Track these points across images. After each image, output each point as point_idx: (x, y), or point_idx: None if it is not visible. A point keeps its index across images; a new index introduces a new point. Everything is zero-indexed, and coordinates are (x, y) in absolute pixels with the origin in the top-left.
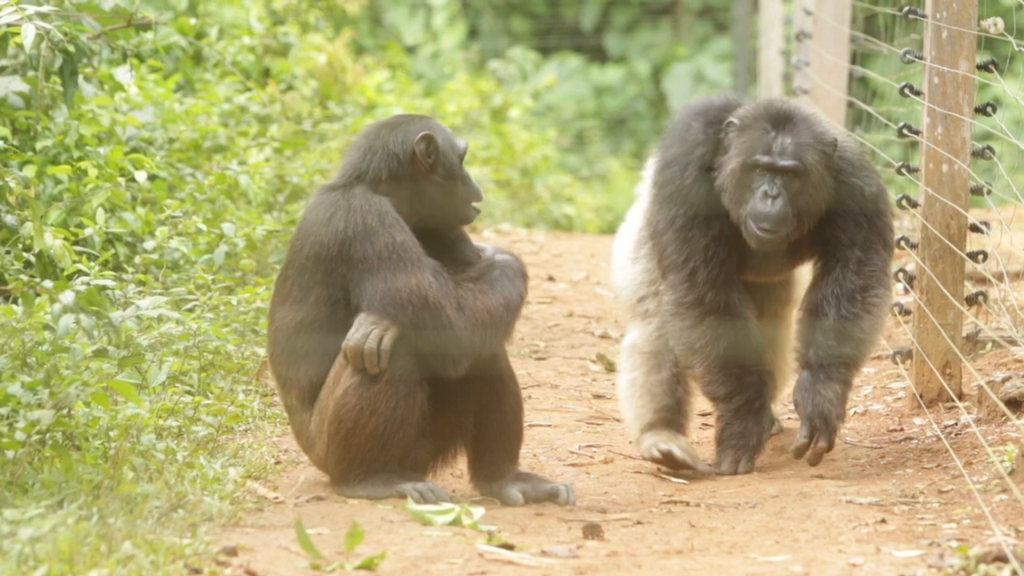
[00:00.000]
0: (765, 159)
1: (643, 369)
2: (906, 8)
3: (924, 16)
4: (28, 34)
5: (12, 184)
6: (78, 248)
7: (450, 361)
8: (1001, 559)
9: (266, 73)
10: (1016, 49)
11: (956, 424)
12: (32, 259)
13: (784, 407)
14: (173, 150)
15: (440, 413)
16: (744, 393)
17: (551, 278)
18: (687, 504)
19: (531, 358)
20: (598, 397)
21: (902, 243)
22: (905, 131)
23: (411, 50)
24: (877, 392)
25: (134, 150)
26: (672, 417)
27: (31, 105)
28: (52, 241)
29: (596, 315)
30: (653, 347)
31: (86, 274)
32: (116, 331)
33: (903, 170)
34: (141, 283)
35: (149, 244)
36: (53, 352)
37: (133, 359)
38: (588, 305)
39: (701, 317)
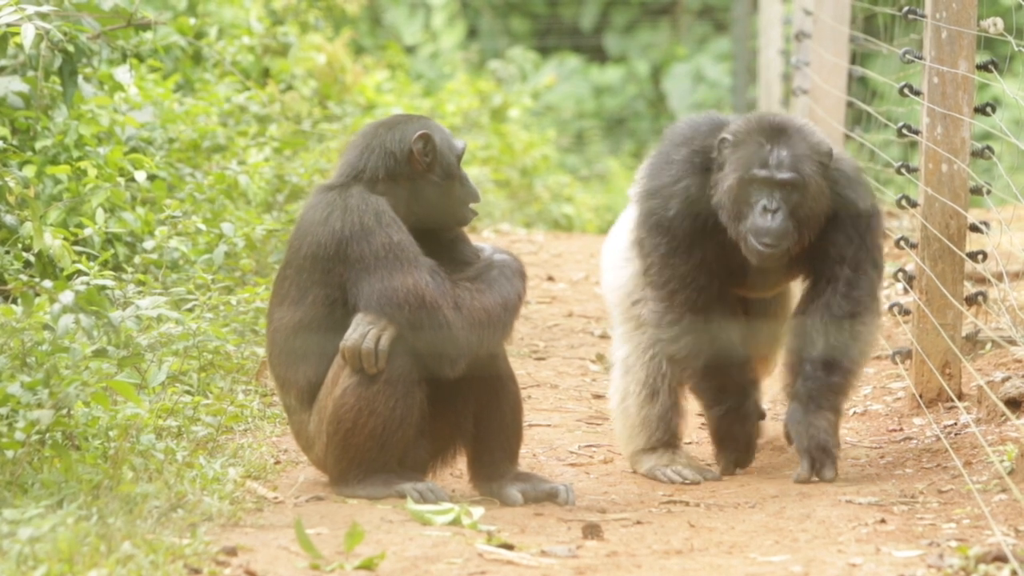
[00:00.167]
0: (763, 173)
1: (635, 399)
2: (906, 8)
3: (924, 16)
4: (28, 34)
5: (12, 184)
6: (78, 248)
7: (448, 361)
8: (1001, 559)
9: (265, 73)
10: (1016, 49)
11: (956, 424)
12: (32, 259)
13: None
14: (172, 150)
15: (439, 413)
16: (726, 403)
17: (550, 278)
18: (686, 504)
19: (531, 358)
20: (598, 397)
21: (901, 243)
22: (905, 131)
23: (410, 50)
24: (877, 392)
25: (133, 150)
26: (669, 439)
27: (31, 105)
28: (52, 241)
29: (596, 315)
30: (646, 372)
31: (86, 274)
32: (116, 331)
33: (903, 170)
34: (141, 283)
35: (148, 244)
36: (53, 352)
37: (133, 359)
38: (587, 305)
39: (680, 334)
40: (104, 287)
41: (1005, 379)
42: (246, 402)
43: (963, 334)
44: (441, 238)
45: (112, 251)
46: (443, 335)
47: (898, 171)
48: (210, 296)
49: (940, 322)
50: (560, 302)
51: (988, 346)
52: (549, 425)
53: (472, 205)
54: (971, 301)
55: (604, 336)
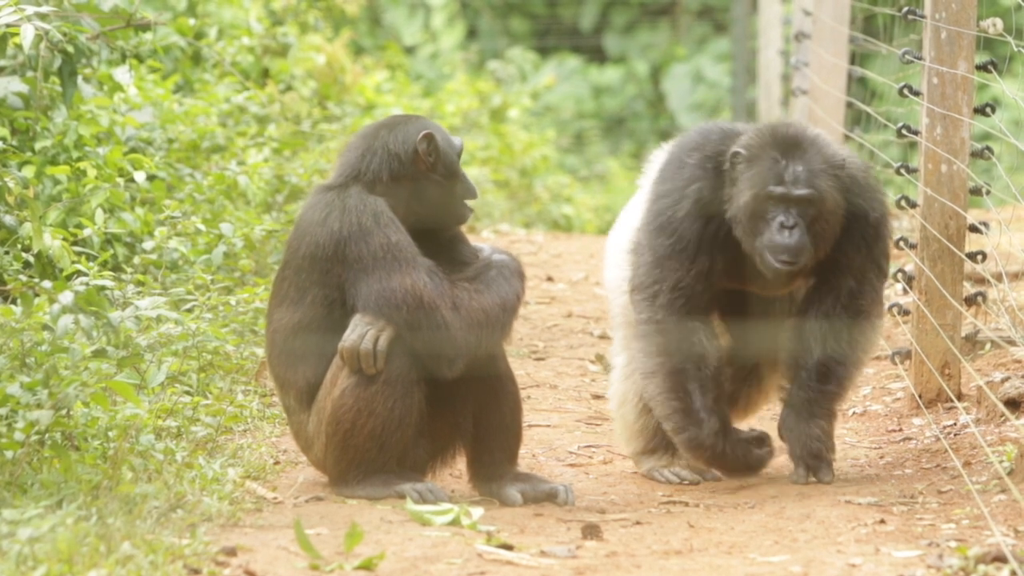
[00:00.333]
0: (779, 190)
1: (634, 409)
2: (905, 8)
3: (923, 16)
4: (27, 34)
5: (11, 184)
6: (77, 248)
7: (446, 361)
8: (1000, 559)
9: (265, 73)
10: (1015, 49)
11: (955, 424)
12: (31, 259)
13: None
14: (172, 150)
15: (439, 413)
16: (692, 424)
17: (550, 278)
18: (686, 504)
19: (530, 358)
20: (597, 397)
21: (901, 243)
22: (904, 131)
23: (410, 50)
24: (876, 392)
25: (133, 150)
26: (668, 442)
27: (30, 105)
28: (51, 241)
29: (595, 315)
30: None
31: (85, 274)
32: (115, 331)
33: (902, 170)
34: (140, 283)
35: (148, 244)
36: (52, 352)
37: (132, 359)
38: (587, 305)
39: (652, 336)
40: (103, 287)
41: (1004, 379)
42: (245, 402)
43: (962, 334)
44: (439, 238)
45: (111, 251)
46: (441, 336)
47: (897, 172)
48: (209, 296)
49: (939, 322)
50: (559, 302)
51: (987, 346)
52: (548, 425)
53: (468, 202)
54: (970, 301)
55: (604, 336)
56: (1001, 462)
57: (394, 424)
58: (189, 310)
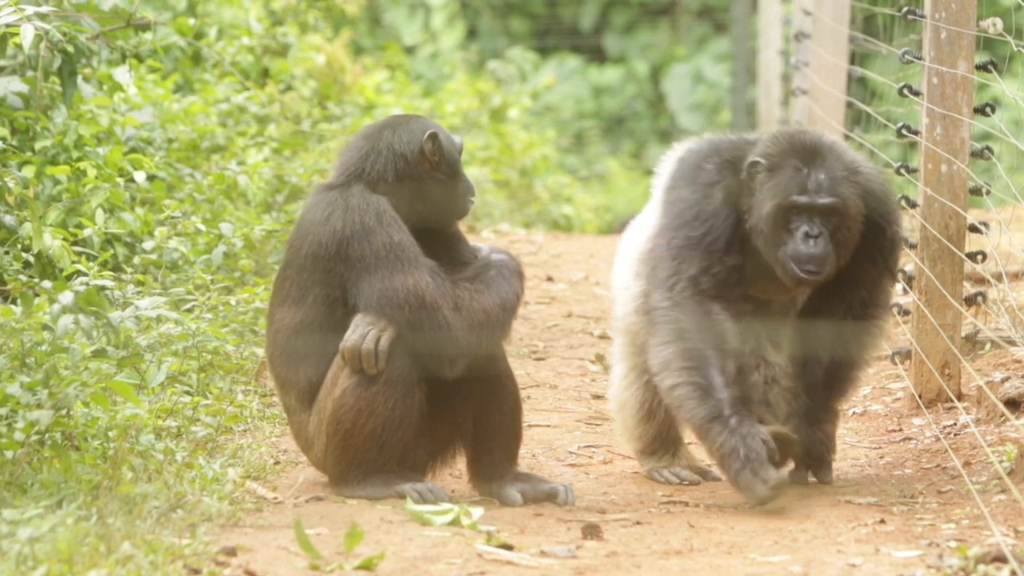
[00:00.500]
0: (803, 199)
1: (634, 416)
2: (905, 8)
3: (923, 16)
4: (27, 34)
5: (11, 184)
6: (77, 248)
7: (447, 361)
8: (1000, 559)
9: (265, 73)
10: (1015, 49)
11: (955, 424)
12: (31, 259)
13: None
14: (172, 150)
15: (439, 413)
16: (711, 405)
17: (550, 278)
18: (686, 504)
19: (530, 358)
20: (597, 397)
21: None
22: (904, 131)
23: (410, 50)
24: (876, 392)
25: (133, 150)
26: (668, 443)
27: (30, 105)
28: (51, 241)
29: (595, 315)
30: (643, 395)
31: (85, 274)
32: (115, 331)
33: (902, 170)
34: (140, 283)
35: (148, 244)
36: (52, 352)
37: (132, 359)
38: (587, 305)
39: (673, 322)
40: (103, 287)
41: (1004, 379)
42: (245, 402)
43: (962, 334)
44: (439, 237)
45: (111, 251)
46: (443, 336)
47: (897, 171)
48: (209, 296)
49: (939, 322)
50: (559, 302)
51: (987, 346)
52: (548, 425)
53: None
54: (970, 301)
55: (604, 336)
56: (1001, 462)
57: (395, 424)
58: (189, 310)
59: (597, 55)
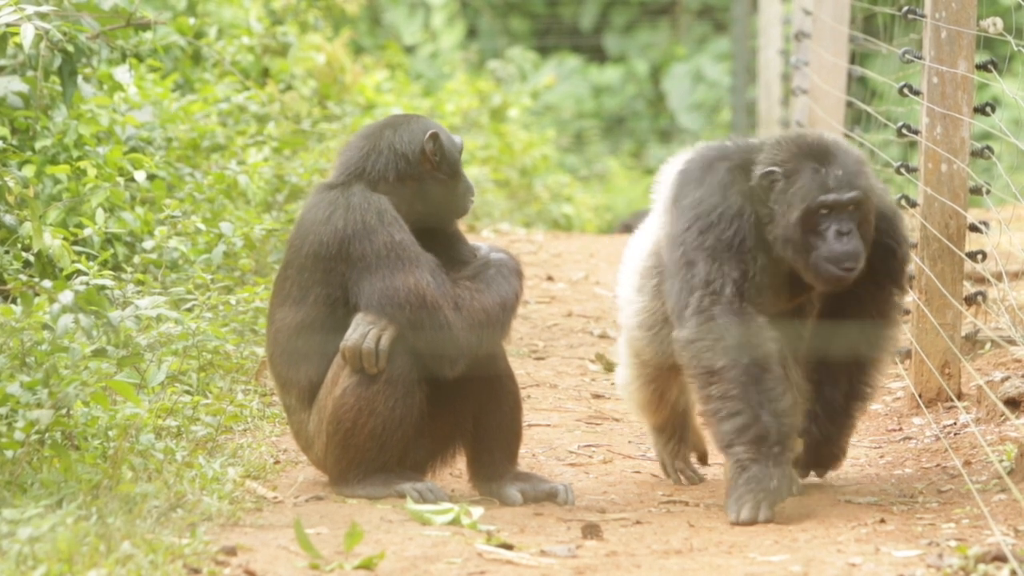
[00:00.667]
0: (831, 197)
1: (643, 408)
2: (905, 8)
3: (923, 16)
4: (27, 34)
5: (11, 184)
6: (77, 248)
7: (447, 361)
8: (1000, 559)
9: (265, 73)
10: (1015, 49)
11: (955, 424)
12: (31, 259)
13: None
14: (172, 150)
15: (439, 413)
16: (761, 427)
17: (550, 278)
18: (686, 504)
19: (530, 358)
20: (597, 397)
21: None
22: (904, 131)
23: (410, 50)
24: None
25: (133, 150)
26: (677, 426)
27: (30, 105)
28: (51, 241)
29: (595, 315)
30: (648, 393)
31: (85, 274)
32: (115, 331)
33: (902, 170)
34: (140, 283)
35: (148, 244)
36: (52, 352)
37: (132, 359)
38: (587, 305)
39: (721, 334)
40: (103, 287)
41: (1004, 379)
42: (245, 402)
43: (962, 334)
44: (439, 237)
45: (111, 251)
46: (443, 335)
47: (897, 171)
48: (209, 296)
49: (939, 322)
50: (559, 302)
51: (987, 346)
52: (548, 425)
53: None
54: (970, 301)
55: (604, 336)
56: (1001, 461)
57: (395, 423)
58: (189, 309)
59: (597, 55)
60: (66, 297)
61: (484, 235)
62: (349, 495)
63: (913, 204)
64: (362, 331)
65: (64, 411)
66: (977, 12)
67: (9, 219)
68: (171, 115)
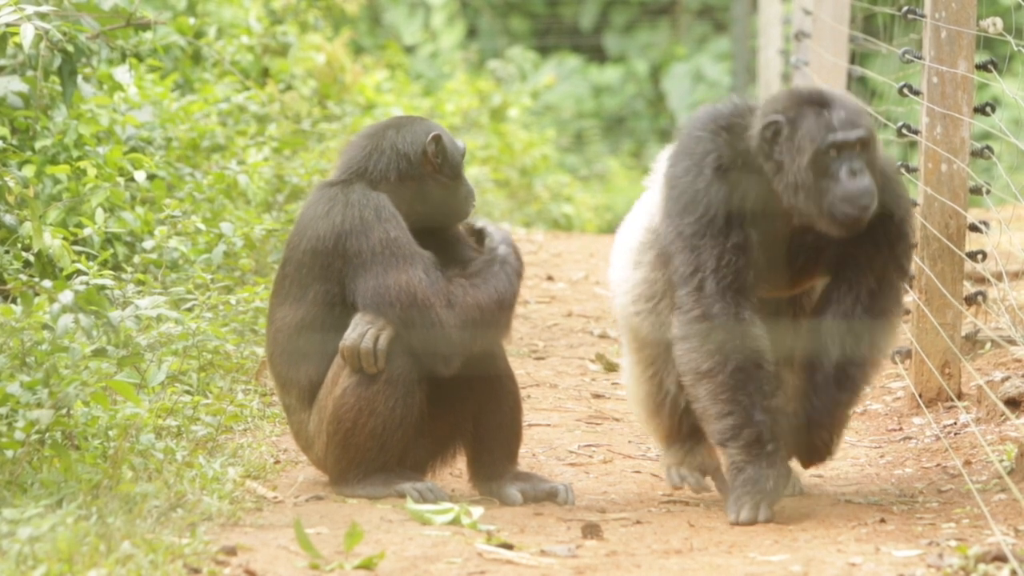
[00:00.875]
0: (839, 136)
1: (646, 410)
2: (905, 8)
3: (923, 16)
4: (27, 34)
5: (11, 184)
6: (77, 248)
7: (441, 359)
8: (1000, 558)
9: (265, 73)
10: (1015, 49)
11: (955, 424)
12: (31, 259)
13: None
14: (172, 149)
15: (439, 413)
16: (754, 428)
17: (550, 277)
18: (686, 503)
19: (530, 358)
20: (597, 396)
21: None
22: (904, 131)
23: (410, 50)
24: (876, 392)
25: (133, 149)
26: (682, 436)
27: (30, 105)
28: (51, 241)
29: (595, 315)
30: (650, 387)
31: (85, 274)
32: (115, 331)
33: (902, 170)
34: (140, 283)
35: (148, 244)
36: (52, 352)
37: (132, 359)
38: (587, 304)
39: (707, 334)
40: (103, 287)
41: (1005, 379)
42: (245, 402)
43: (963, 334)
44: (441, 237)
45: (111, 251)
46: (435, 333)
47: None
48: (209, 296)
49: (940, 322)
50: (559, 302)
51: (988, 346)
52: (548, 425)
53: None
54: (971, 301)
55: (604, 336)
56: (1001, 461)
57: (395, 423)
58: (189, 309)
59: (597, 54)
60: (66, 297)
61: None
62: (349, 495)
63: (913, 204)
64: (360, 331)
65: (64, 411)
66: (977, 12)
67: (9, 219)
68: (171, 115)
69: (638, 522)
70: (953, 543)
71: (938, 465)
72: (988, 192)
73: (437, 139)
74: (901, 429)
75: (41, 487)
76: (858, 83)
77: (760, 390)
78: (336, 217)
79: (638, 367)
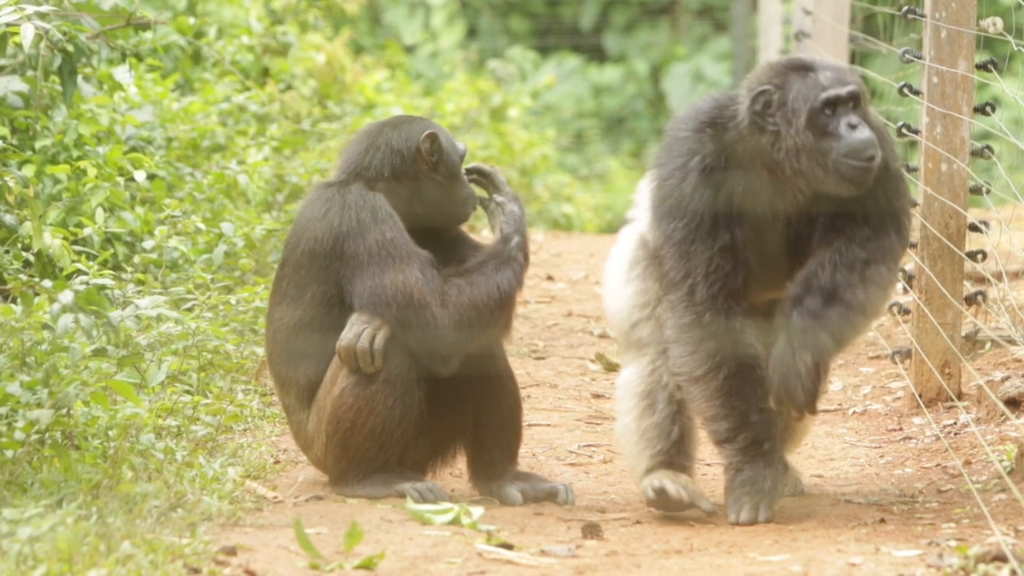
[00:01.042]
0: (831, 93)
1: (635, 413)
2: (905, 8)
3: (923, 16)
4: (27, 34)
5: (11, 183)
6: (77, 248)
7: (439, 359)
8: (1000, 558)
9: (265, 72)
10: (1015, 49)
11: (955, 423)
12: (31, 258)
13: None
14: (172, 149)
15: (439, 413)
16: (750, 431)
17: (550, 277)
18: None
19: (530, 357)
20: (597, 396)
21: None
22: (904, 130)
23: (410, 49)
24: (876, 392)
25: (133, 149)
26: (670, 459)
27: (30, 104)
28: (51, 240)
29: (595, 314)
30: (645, 385)
31: (85, 273)
32: (115, 330)
33: (902, 169)
34: (140, 282)
35: (148, 243)
36: (52, 352)
37: (132, 359)
38: (587, 304)
39: (699, 341)
40: (103, 287)
41: (1005, 379)
42: (245, 402)
43: (963, 334)
44: (442, 237)
45: (111, 251)
46: (431, 333)
47: (912, 203)
48: (209, 296)
49: (940, 322)
50: (559, 301)
51: (988, 346)
52: (548, 425)
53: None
54: (971, 301)
55: (604, 335)
56: (1001, 461)
57: (394, 423)
58: (189, 309)
59: (597, 54)
60: (66, 297)
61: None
62: (349, 495)
63: (913, 204)
64: (356, 331)
65: (64, 411)
66: (977, 12)
67: (9, 219)
68: (171, 115)
69: (638, 522)
70: (953, 543)
71: (938, 465)
72: (988, 192)
73: (432, 137)
74: (901, 429)
75: (41, 487)
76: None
77: (754, 393)
78: (334, 219)
79: (638, 367)
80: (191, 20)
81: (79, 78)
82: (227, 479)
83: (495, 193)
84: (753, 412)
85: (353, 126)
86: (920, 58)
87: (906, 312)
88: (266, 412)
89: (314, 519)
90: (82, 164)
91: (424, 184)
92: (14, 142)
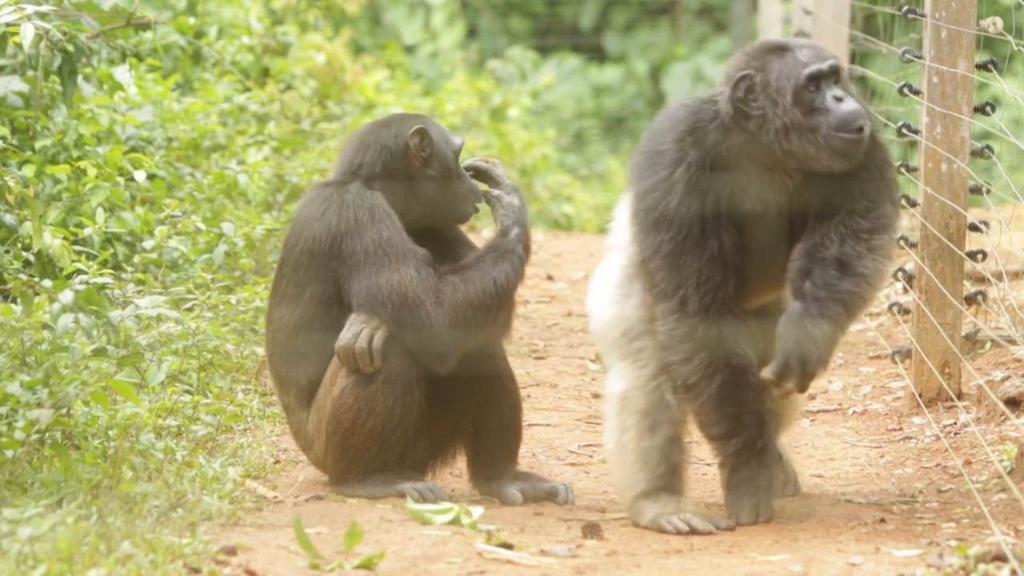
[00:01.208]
0: (813, 68)
1: (635, 432)
2: (905, 7)
3: (923, 15)
4: (27, 34)
5: (11, 183)
6: (77, 247)
7: (436, 358)
8: (1000, 558)
9: (265, 72)
10: (1015, 48)
11: (955, 423)
12: (31, 258)
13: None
14: (172, 149)
15: (439, 413)
16: (743, 434)
17: (550, 277)
18: None
19: (530, 357)
20: (597, 396)
21: (901, 242)
22: (904, 130)
23: (410, 49)
24: (876, 391)
25: (133, 149)
26: (669, 483)
27: (30, 104)
28: (51, 240)
29: None
30: (648, 402)
31: (85, 273)
32: (115, 330)
33: (902, 169)
34: (140, 282)
35: (148, 243)
36: (52, 351)
37: (132, 358)
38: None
39: (693, 352)
40: (103, 286)
41: (1005, 378)
42: (245, 401)
43: (963, 333)
44: (441, 237)
45: (111, 251)
46: (426, 332)
47: (897, 170)
48: (209, 296)
49: (940, 321)
50: (559, 301)
51: (988, 345)
52: (548, 424)
53: (476, 204)
54: (971, 300)
55: None
56: (1001, 461)
57: (394, 423)
58: (189, 309)
59: (597, 54)
60: (66, 297)
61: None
62: (349, 495)
63: (913, 204)
64: (355, 331)
65: (64, 411)
66: (977, 12)
67: (9, 219)
68: (171, 115)
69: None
70: (953, 543)
71: (938, 465)
72: (988, 192)
73: (421, 132)
74: (901, 429)
75: (41, 487)
76: (858, 83)
77: (747, 396)
78: (332, 219)
79: (637, 383)
80: (191, 20)
81: (79, 78)
82: (227, 479)
83: (494, 187)
84: (746, 415)
85: (353, 126)
86: (920, 58)
87: (906, 312)
88: (266, 412)
89: (314, 519)
90: (82, 164)
91: (420, 181)
92: (14, 142)
